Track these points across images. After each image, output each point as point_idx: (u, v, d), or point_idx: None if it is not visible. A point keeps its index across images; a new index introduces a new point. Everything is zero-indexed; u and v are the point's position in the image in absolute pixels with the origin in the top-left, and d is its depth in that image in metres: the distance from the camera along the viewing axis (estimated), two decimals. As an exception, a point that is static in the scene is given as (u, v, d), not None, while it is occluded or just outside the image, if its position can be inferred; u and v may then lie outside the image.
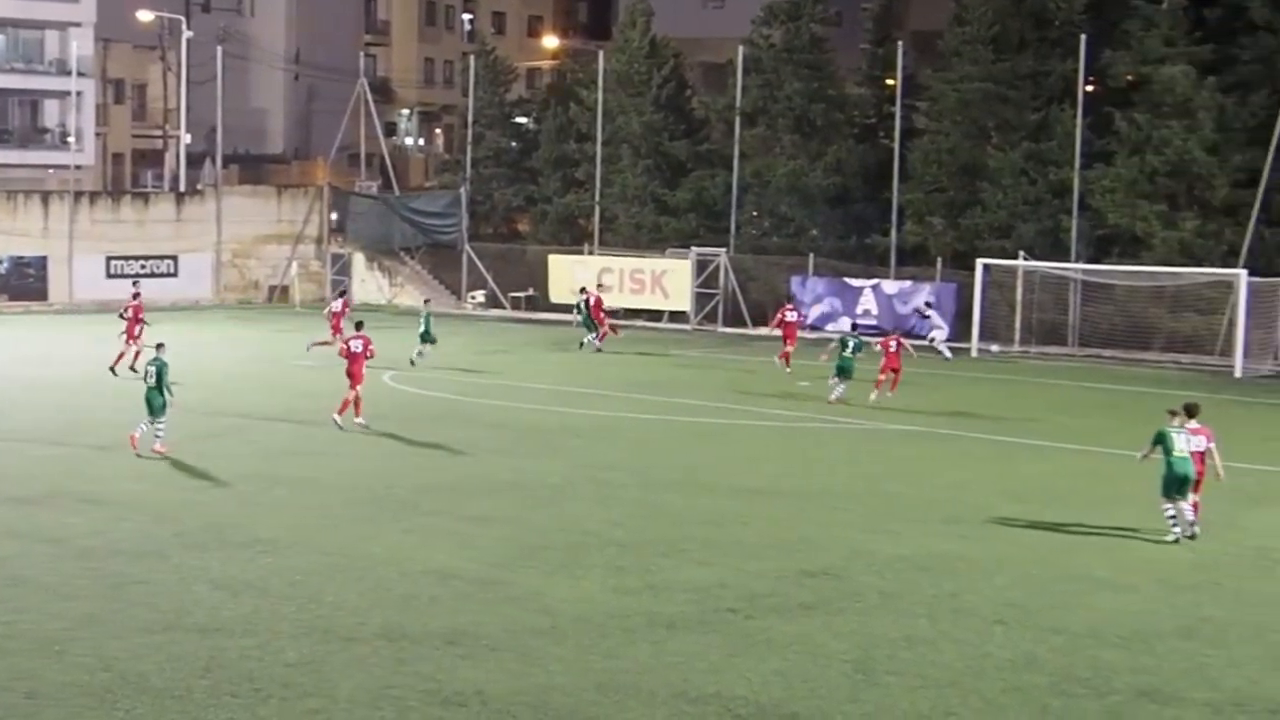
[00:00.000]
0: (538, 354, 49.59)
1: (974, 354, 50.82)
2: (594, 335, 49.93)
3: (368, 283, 66.62)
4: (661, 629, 18.05)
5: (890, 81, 60.91)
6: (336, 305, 46.50)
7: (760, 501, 25.98)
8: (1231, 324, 48.31)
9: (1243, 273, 48.15)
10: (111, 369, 40.14)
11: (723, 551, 22.04)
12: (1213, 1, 54.40)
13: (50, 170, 74.09)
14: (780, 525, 24.04)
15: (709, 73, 71.90)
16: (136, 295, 43.44)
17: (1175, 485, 23.10)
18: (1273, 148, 50.53)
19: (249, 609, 18.56)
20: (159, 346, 30.37)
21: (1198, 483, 23.33)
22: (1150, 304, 51.07)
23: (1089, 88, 55.60)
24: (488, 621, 18.17)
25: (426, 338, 44.25)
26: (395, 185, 72.76)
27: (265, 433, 32.52)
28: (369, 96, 70.34)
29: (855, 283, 56.33)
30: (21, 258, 62.82)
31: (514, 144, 71.07)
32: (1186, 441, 23.15)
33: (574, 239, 65.98)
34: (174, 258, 65.71)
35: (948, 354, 49.30)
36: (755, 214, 62.68)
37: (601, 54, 66.57)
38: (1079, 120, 54.22)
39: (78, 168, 70.20)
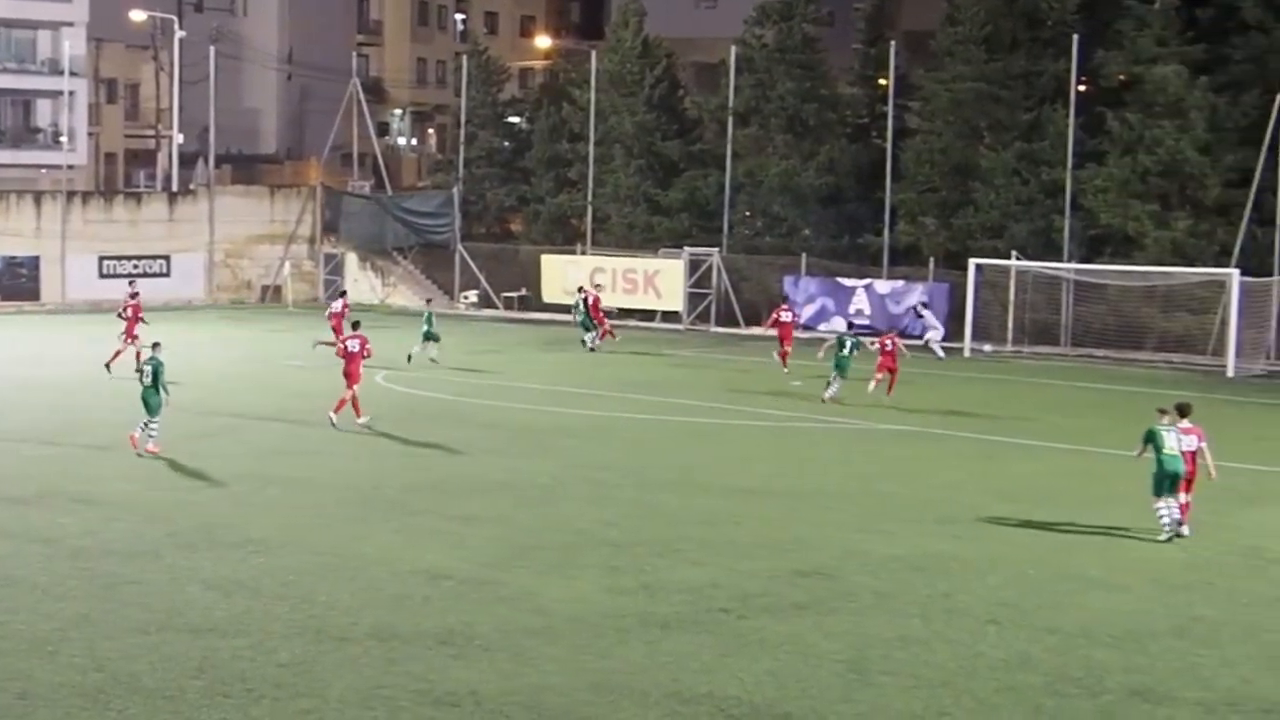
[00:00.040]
0: (530, 354, 49.57)
1: (967, 354, 50.81)
2: (594, 334, 49.91)
3: (360, 283, 66.50)
4: (655, 629, 18.04)
5: (882, 81, 60.92)
6: (337, 305, 46.49)
7: (754, 501, 25.97)
8: (1224, 324, 48.34)
9: (1235, 272, 48.20)
10: (107, 366, 40.14)
11: (716, 551, 22.02)
12: (1205, 1, 54.43)
13: (43, 170, 73.91)
14: (774, 525, 24.03)
15: (701, 73, 71.96)
16: (135, 295, 43.51)
17: (1167, 483, 23.13)
18: (1265, 147, 50.58)
19: (241, 609, 18.53)
20: (155, 346, 30.43)
21: (1189, 482, 23.37)
22: (1143, 304, 51.11)
23: (1081, 87, 55.67)
24: (480, 621, 18.14)
25: (429, 336, 44.35)
26: (388, 185, 72.72)
27: (258, 432, 32.49)
28: (362, 96, 70.34)
29: (848, 283, 56.35)
30: (14, 257, 62.77)
31: (507, 144, 71.04)
32: (1177, 439, 23.19)
33: (567, 239, 65.97)
34: (167, 258, 65.65)
35: (941, 354, 49.30)
36: (748, 214, 62.70)
37: (594, 54, 66.54)
38: (1071, 120, 54.27)
39: (70, 167, 70.17)
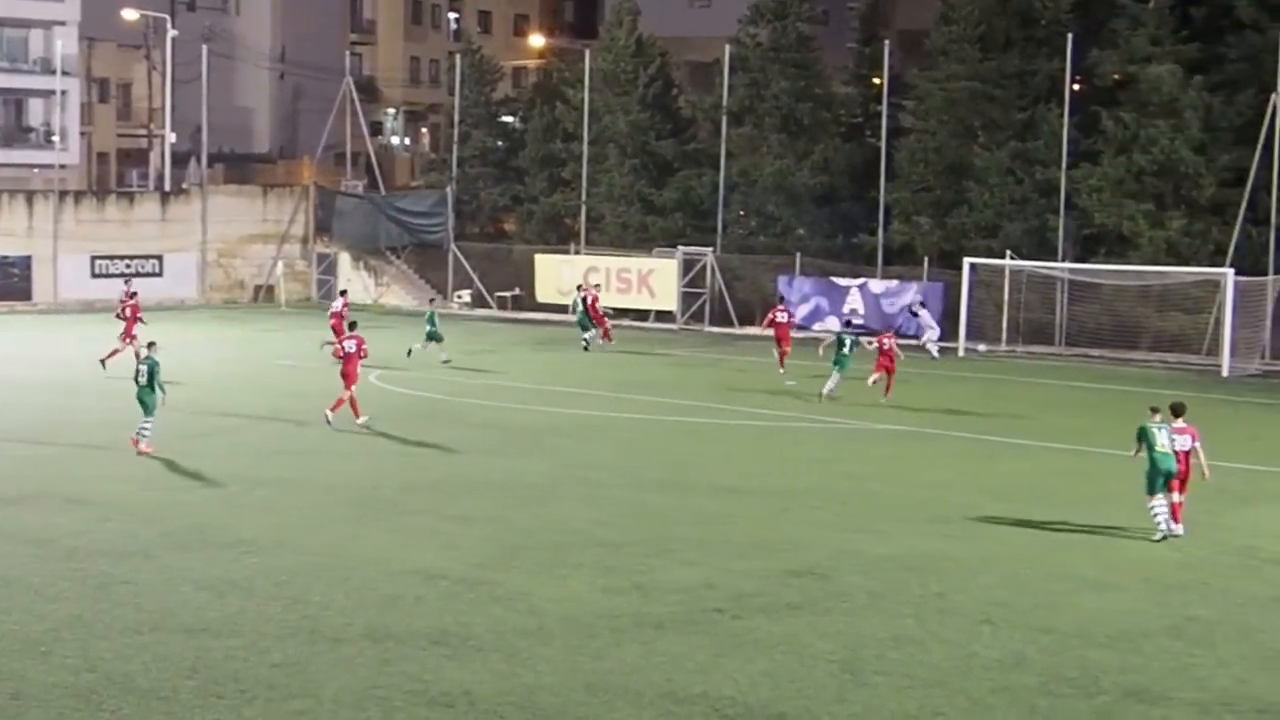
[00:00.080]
0: (524, 353, 49.53)
1: (961, 354, 50.76)
2: (595, 332, 49.85)
3: (354, 282, 66.19)
4: (649, 629, 18.00)
5: (877, 80, 60.93)
6: (338, 304, 46.46)
7: (747, 501, 25.94)
8: (1218, 323, 48.34)
9: (1229, 272, 48.18)
10: (102, 362, 40.14)
11: (710, 551, 21.98)
12: (1199, 0, 54.45)
13: (35, 169, 73.86)
14: (767, 525, 24.01)
15: (695, 72, 71.90)
16: (134, 295, 43.61)
17: (1159, 480, 23.12)
18: (1260, 146, 50.58)
19: (234, 609, 18.49)
20: (150, 345, 30.46)
21: (1183, 482, 23.34)
22: (1137, 303, 51.11)
23: (1075, 87, 55.65)
24: (474, 622, 18.10)
25: (433, 336, 44.39)
26: (381, 184, 72.64)
27: (251, 432, 32.45)
28: (355, 95, 70.24)
29: (842, 282, 56.31)
30: (6, 257, 62.66)
31: (500, 143, 70.99)
32: (1168, 437, 23.18)
33: (560, 238, 65.94)
34: (159, 257, 65.54)
35: (935, 353, 49.22)
36: (742, 213, 62.67)
37: (588, 53, 66.47)
38: (1065, 119, 54.27)
39: (62, 167, 70.03)
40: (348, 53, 77.29)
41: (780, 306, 47.12)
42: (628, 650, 17.20)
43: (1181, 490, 23.35)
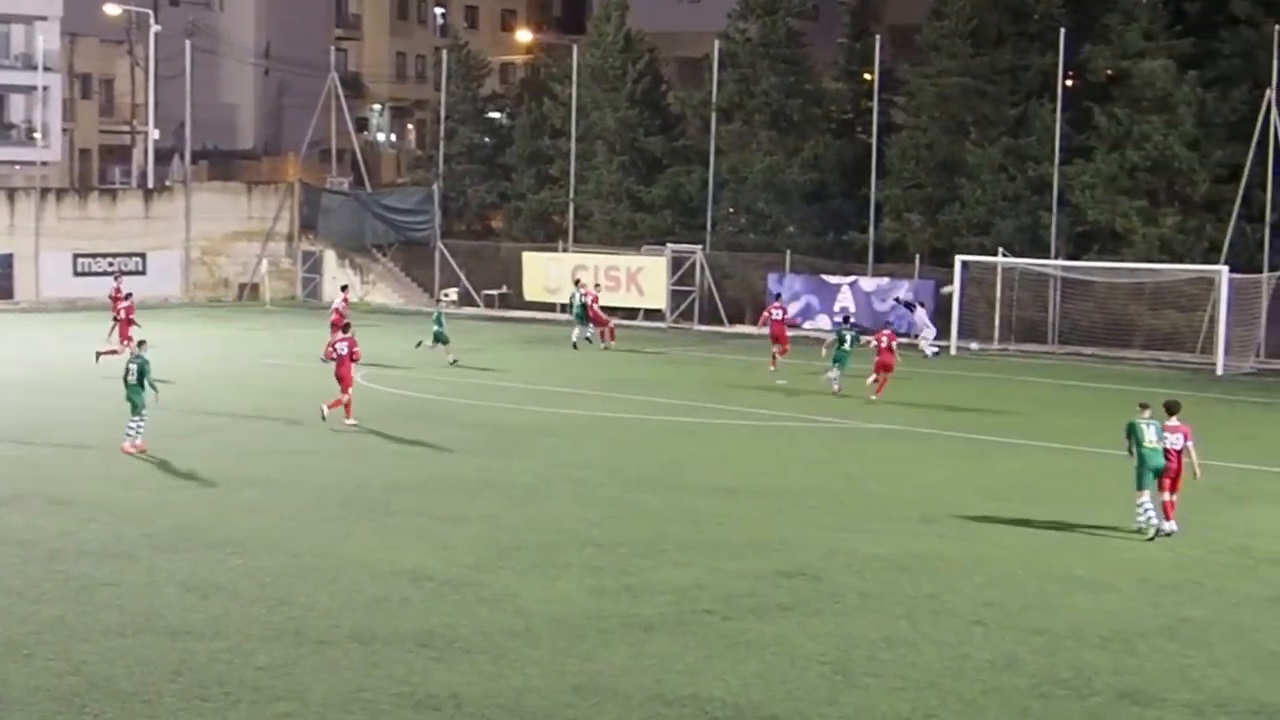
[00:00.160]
0: (512, 352, 49.35)
1: (953, 352, 50.63)
2: (592, 331, 49.65)
3: (339, 280, 66.06)
4: (638, 630, 17.85)
5: (867, 76, 60.73)
6: (338, 301, 46.24)
7: (738, 501, 25.80)
8: (1213, 321, 48.21)
9: (1224, 269, 48.08)
10: (97, 355, 40.12)
11: (700, 551, 21.83)
12: (1193, -5, 54.42)
13: (16, 166, 73.53)
14: (758, 525, 23.86)
15: (684, 68, 71.77)
16: (129, 296, 44.03)
17: (1149, 476, 23.03)
18: (1254, 143, 50.50)
19: (219, 611, 18.32)
20: (140, 344, 30.34)
21: (1175, 481, 23.21)
22: (1130, 301, 51.00)
23: (1068, 82, 55.56)
24: (461, 623, 17.95)
25: (440, 338, 44.30)
26: (367, 181, 72.38)
27: (236, 432, 32.28)
28: (340, 91, 70.01)
29: (833, 280, 56.17)
30: (-13, 255, 62.35)
31: (487, 140, 70.76)
32: (1156, 433, 23.09)
33: (548, 236, 65.71)
34: (142, 255, 65.12)
35: (929, 352, 49.05)
36: (731, 210, 62.50)
37: (576, 49, 66.24)
38: (1058, 115, 54.15)
39: (44, 164, 69.79)
40: (333, 48, 77.06)
41: (775, 304, 46.85)
42: (617, 652, 17.05)
43: (1174, 489, 23.22)
